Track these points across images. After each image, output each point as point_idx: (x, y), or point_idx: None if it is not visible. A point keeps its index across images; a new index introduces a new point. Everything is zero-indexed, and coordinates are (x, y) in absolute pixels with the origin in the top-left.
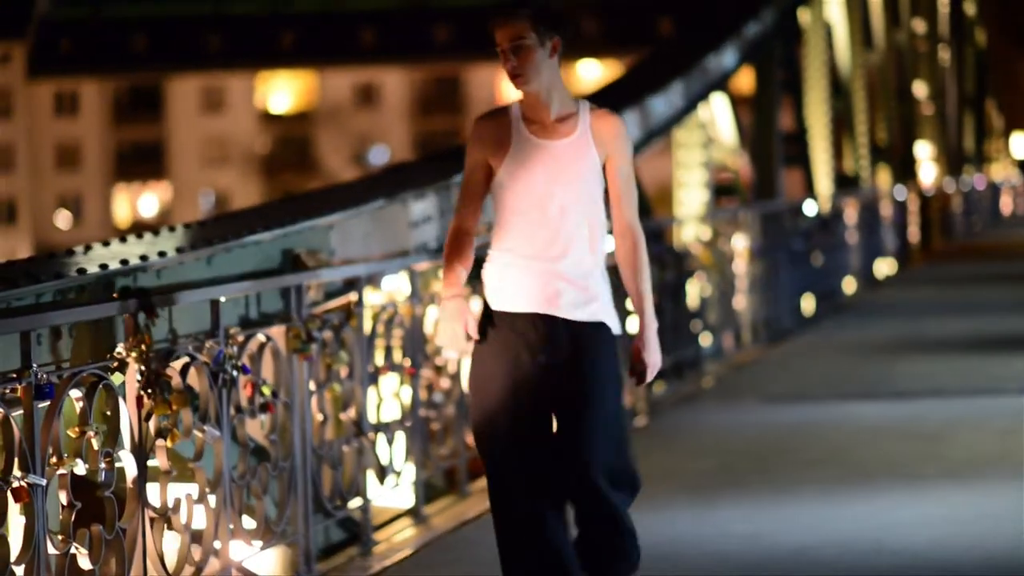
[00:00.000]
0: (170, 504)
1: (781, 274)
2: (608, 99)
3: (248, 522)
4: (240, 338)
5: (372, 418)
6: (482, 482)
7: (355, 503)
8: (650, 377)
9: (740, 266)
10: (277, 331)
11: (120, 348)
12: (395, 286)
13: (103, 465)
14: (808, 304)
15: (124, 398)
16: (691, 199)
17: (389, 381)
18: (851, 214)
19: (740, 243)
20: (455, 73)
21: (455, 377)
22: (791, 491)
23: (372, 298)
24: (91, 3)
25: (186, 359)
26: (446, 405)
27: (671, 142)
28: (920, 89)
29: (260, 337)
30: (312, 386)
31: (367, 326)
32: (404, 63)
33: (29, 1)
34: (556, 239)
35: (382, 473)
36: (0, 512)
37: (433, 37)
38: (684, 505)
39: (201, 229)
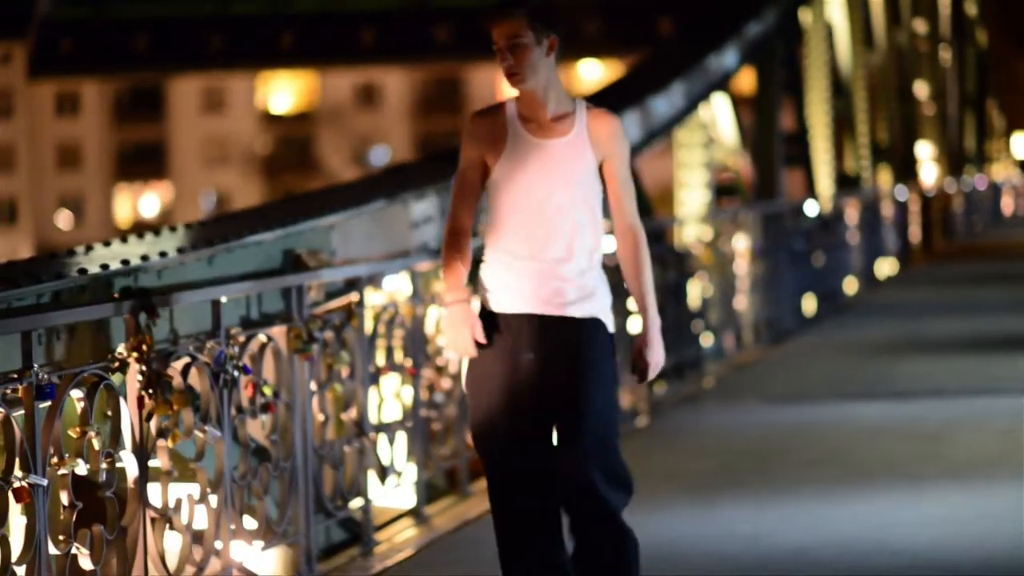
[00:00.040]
0: (171, 504)
1: (782, 274)
2: (609, 99)
3: (249, 522)
4: (241, 338)
5: (373, 418)
6: (483, 482)
7: (356, 503)
8: (652, 375)
9: (741, 266)
10: (278, 331)
11: (121, 348)
12: (396, 286)
13: (104, 465)
14: (809, 304)
15: (125, 398)
16: (692, 199)
17: (390, 381)
18: (852, 214)
19: (741, 243)
20: (456, 73)
21: (456, 377)
22: (792, 491)
23: (373, 298)
24: (92, 3)
25: (187, 359)
26: (447, 405)
27: (672, 142)
28: (921, 89)
29: (261, 337)
30: (313, 386)
31: (368, 326)
32: (405, 63)
33: (30, 1)
34: (552, 239)
35: (383, 473)
36: (1, 512)
37: (434, 37)
38: (685, 505)
39: (202, 229)
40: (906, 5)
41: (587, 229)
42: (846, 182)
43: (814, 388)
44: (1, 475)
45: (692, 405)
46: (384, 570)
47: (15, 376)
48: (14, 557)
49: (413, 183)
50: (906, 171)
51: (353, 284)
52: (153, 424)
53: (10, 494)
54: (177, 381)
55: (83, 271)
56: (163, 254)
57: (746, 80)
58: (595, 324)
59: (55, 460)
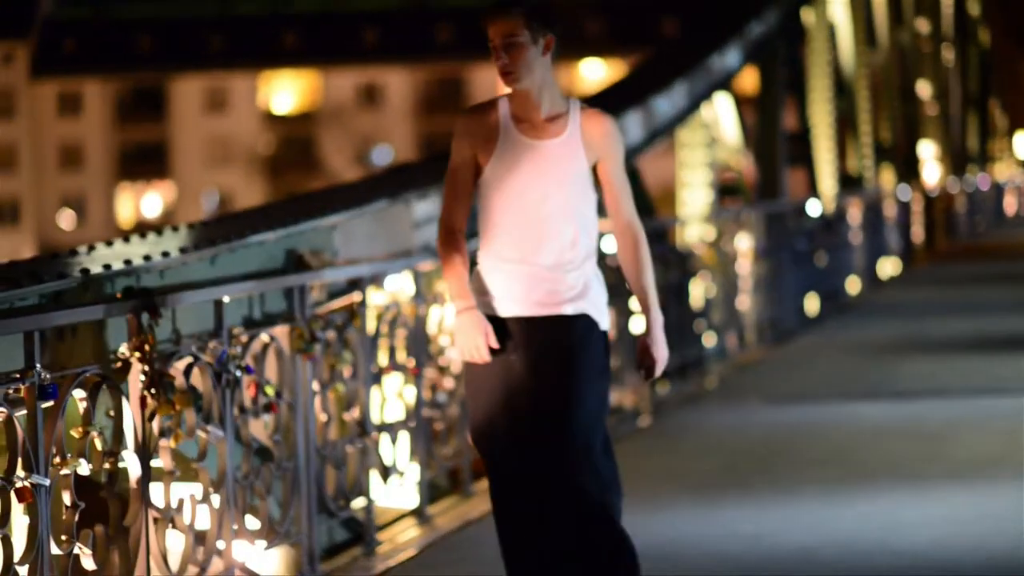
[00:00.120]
0: (173, 504)
1: (785, 274)
2: (612, 99)
3: (252, 522)
4: (244, 338)
5: (376, 418)
6: (485, 482)
7: (359, 503)
8: (658, 372)
9: (744, 266)
10: (281, 331)
11: (123, 348)
12: (398, 286)
13: (107, 465)
14: (812, 304)
15: (127, 398)
16: (695, 199)
17: (393, 381)
18: (855, 214)
19: (744, 243)
20: (458, 73)
21: (459, 377)
22: (794, 491)
23: (375, 298)
24: (94, 3)
25: (189, 359)
26: (450, 405)
27: (674, 142)
28: (924, 89)
29: (264, 337)
30: (316, 386)
31: (371, 326)
32: (407, 63)
33: (33, 1)
34: (545, 242)
35: (386, 473)
36: (4, 512)
37: (435, 37)
38: (687, 505)
39: (204, 229)
40: (908, 5)
41: (580, 230)
42: (849, 182)
43: (817, 388)
44: (3, 475)
45: (695, 405)
46: (386, 570)
47: (17, 376)
48: (16, 557)
49: (415, 183)
50: (909, 171)
51: (355, 284)
52: (155, 424)
53: (13, 494)
54: (179, 381)
55: (85, 271)
56: (165, 254)
57: (748, 80)
58: (587, 322)
59: (57, 460)
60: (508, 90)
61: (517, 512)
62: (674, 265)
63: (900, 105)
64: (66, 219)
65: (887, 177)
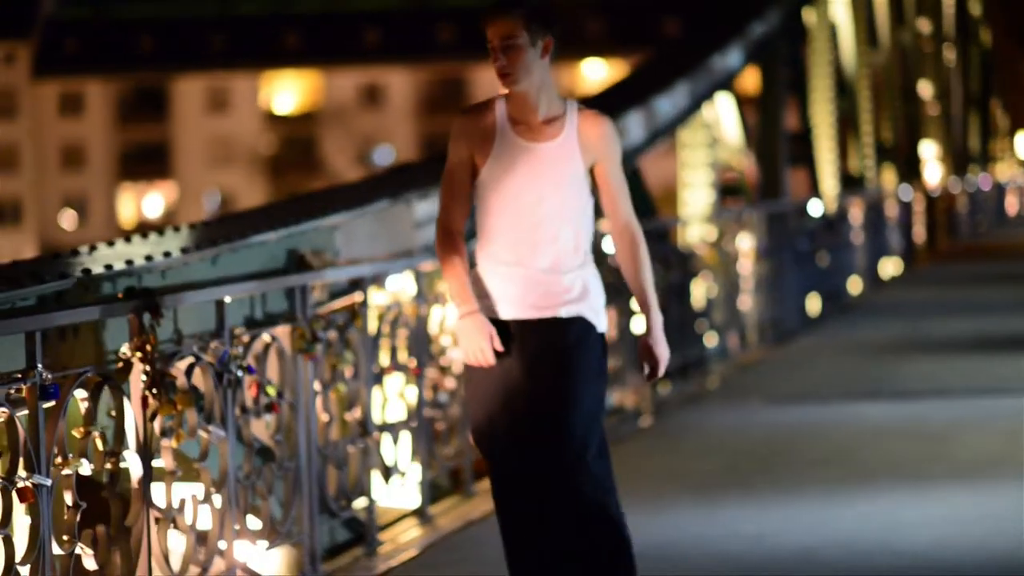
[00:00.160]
0: (175, 504)
1: (786, 274)
2: (613, 99)
3: (253, 522)
4: (245, 338)
5: (377, 418)
6: (487, 482)
7: (360, 503)
8: (662, 371)
9: (745, 266)
10: (282, 331)
11: (125, 348)
12: (400, 286)
13: (108, 465)
14: (813, 304)
15: (129, 398)
16: (696, 199)
17: (394, 381)
18: (856, 214)
19: (745, 243)
20: (459, 73)
21: (460, 377)
22: (796, 491)
23: (377, 298)
24: (96, 3)
25: (191, 359)
26: (451, 405)
27: (676, 142)
28: (925, 89)
29: (265, 337)
30: (317, 386)
31: (372, 326)
32: (408, 63)
33: (34, 1)
34: (541, 244)
35: (387, 473)
36: (5, 512)
37: (437, 37)
38: (689, 505)
39: (206, 229)
40: (910, 5)
41: (576, 233)
42: (850, 182)
43: (818, 388)
44: (5, 475)
45: (696, 405)
46: (388, 570)
47: (19, 376)
48: (18, 557)
49: (417, 183)
50: (910, 171)
51: (357, 284)
52: (157, 424)
53: (14, 494)
54: (181, 381)
55: (87, 271)
56: (167, 254)
57: (750, 80)
58: (582, 324)
59: (59, 460)
60: (506, 90)
61: (517, 512)
62: (676, 265)
63: (902, 105)
64: (68, 219)
65: (888, 177)
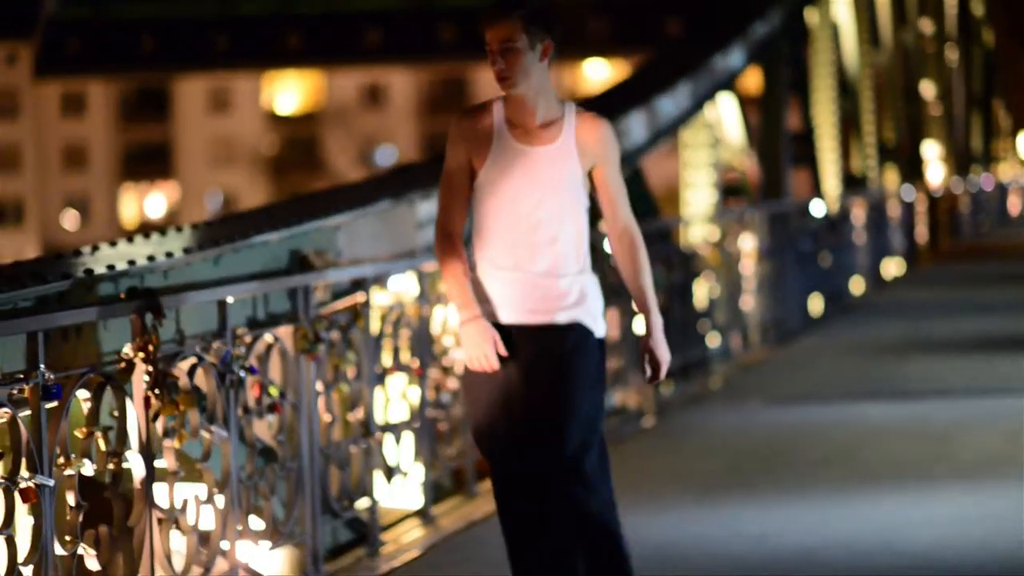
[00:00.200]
0: (178, 505)
1: (788, 274)
2: (615, 99)
3: (256, 523)
4: (247, 339)
5: (379, 419)
6: (489, 482)
7: (363, 504)
8: (663, 374)
9: (747, 266)
10: (284, 332)
11: (127, 349)
12: (402, 287)
13: (111, 466)
14: (816, 304)
15: (131, 399)
16: (698, 199)
17: (396, 381)
18: (859, 214)
19: (747, 243)
20: (461, 73)
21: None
22: (798, 492)
23: (379, 298)
24: (98, 3)
25: (193, 360)
26: (454, 405)
27: (678, 142)
28: (927, 89)
29: (267, 338)
30: (319, 387)
31: (374, 327)
32: (410, 63)
33: (36, 1)
34: (538, 248)
35: (390, 474)
36: (8, 513)
37: (438, 37)
38: (691, 505)
39: (208, 229)
40: (912, 5)
41: (574, 237)
42: (852, 182)
43: (820, 388)
44: (8, 476)
45: (698, 405)
46: (391, 570)
47: (21, 376)
48: (20, 557)
49: (419, 183)
50: (912, 171)
51: (359, 284)
52: (159, 424)
53: (17, 495)
54: (183, 381)
55: (89, 271)
56: (169, 254)
57: (752, 80)
58: (581, 331)
59: (61, 460)
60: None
61: (518, 512)
62: (678, 265)
63: (904, 105)
64: (70, 219)
65: (891, 177)
